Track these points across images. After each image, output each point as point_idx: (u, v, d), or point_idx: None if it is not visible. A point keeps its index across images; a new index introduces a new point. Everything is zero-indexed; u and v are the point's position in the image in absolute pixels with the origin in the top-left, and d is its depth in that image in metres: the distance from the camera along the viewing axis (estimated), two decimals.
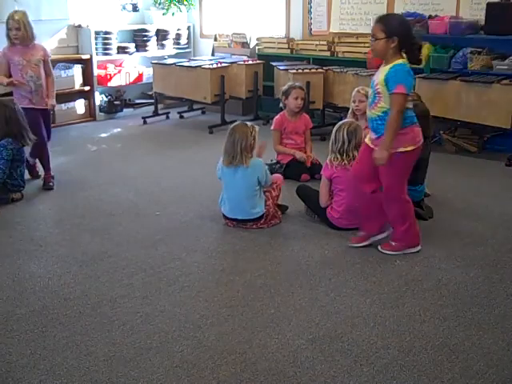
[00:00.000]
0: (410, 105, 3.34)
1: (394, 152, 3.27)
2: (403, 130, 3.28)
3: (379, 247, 3.55)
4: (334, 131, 3.87)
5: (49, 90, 4.68)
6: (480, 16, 5.74)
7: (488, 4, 5.50)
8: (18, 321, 2.79)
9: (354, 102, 4.67)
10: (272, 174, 4.76)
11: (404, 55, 3.29)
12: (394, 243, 3.52)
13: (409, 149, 3.31)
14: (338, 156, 3.81)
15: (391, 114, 3.23)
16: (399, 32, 3.23)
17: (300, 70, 6.40)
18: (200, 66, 6.87)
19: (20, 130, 4.40)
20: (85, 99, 7.32)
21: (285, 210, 4.15)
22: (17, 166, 4.43)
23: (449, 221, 4.03)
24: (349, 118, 4.46)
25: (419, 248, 3.52)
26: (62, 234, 3.84)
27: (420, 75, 5.87)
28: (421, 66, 5.95)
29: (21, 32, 4.47)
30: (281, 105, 5.14)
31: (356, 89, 4.74)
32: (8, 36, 4.52)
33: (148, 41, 7.83)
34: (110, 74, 7.44)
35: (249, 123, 3.92)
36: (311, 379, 2.36)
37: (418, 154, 3.43)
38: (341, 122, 3.96)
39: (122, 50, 7.61)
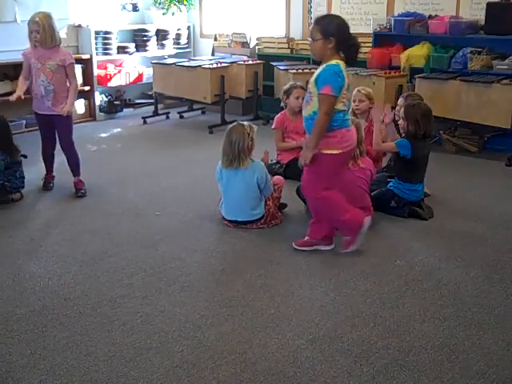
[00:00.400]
0: (342, 107, 3.26)
1: (318, 152, 3.25)
2: (331, 133, 3.24)
3: (293, 243, 3.55)
4: None
5: (68, 96, 4.48)
6: (480, 16, 5.74)
7: (488, 4, 5.51)
8: (17, 321, 2.79)
9: (354, 101, 4.68)
10: (272, 174, 4.77)
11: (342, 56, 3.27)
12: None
13: (334, 152, 3.26)
14: None
15: (317, 115, 3.21)
16: (336, 33, 3.21)
17: (300, 70, 6.40)
18: (200, 66, 6.87)
19: (9, 145, 4.43)
20: (85, 99, 7.32)
21: (283, 207, 4.15)
22: (14, 170, 4.44)
23: (449, 221, 4.03)
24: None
25: (367, 221, 3.45)
26: (61, 234, 3.84)
27: (420, 75, 5.88)
28: (421, 66, 6.03)
29: (39, 35, 4.30)
30: (282, 104, 5.15)
31: (356, 88, 4.74)
32: (30, 38, 4.37)
33: (148, 41, 7.83)
34: (109, 74, 7.44)
35: (246, 123, 3.92)
36: (311, 379, 2.36)
37: (345, 160, 3.38)
38: None
39: (121, 49, 7.61)
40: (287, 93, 5.02)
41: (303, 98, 5.03)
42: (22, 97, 4.45)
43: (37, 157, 4.70)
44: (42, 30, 4.29)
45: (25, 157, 4.65)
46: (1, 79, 6.57)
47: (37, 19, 4.28)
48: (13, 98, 4.45)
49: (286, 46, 7.26)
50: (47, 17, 4.34)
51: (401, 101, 4.60)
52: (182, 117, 7.68)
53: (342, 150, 3.28)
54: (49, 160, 4.74)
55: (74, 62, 4.50)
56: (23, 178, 4.54)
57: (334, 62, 3.24)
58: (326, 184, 3.36)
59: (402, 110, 4.14)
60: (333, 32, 3.21)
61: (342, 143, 3.28)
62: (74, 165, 4.66)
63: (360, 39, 6.51)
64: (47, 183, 4.73)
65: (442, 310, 2.88)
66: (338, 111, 3.24)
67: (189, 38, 8.32)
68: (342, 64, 3.26)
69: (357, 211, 3.47)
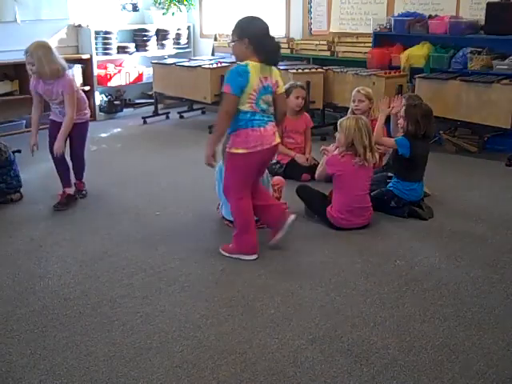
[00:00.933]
0: (249, 108, 3.25)
1: (228, 151, 3.32)
2: (235, 132, 3.27)
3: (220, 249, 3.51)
4: (342, 126, 3.85)
5: (83, 109, 4.33)
6: (480, 16, 5.73)
7: (488, 4, 5.50)
8: (17, 321, 2.79)
9: (354, 101, 4.69)
10: (272, 174, 4.77)
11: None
12: (230, 245, 3.49)
13: (240, 151, 3.27)
14: (350, 149, 3.80)
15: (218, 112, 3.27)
16: (250, 34, 3.23)
17: (300, 70, 6.40)
18: (200, 66, 6.88)
19: None
20: None
21: None
22: (7, 170, 4.41)
23: (449, 221, 4.03)
24: None
25: (254, 257, 3.43)
26: (62, 234, 3.84)
27: (420, 75, 5.88)
28: (421, 66, 6.03)
29: (35, 67, 4.04)
30: None
31: (356, 89, 4.75)
32: (28, 70, 4.14)
33: (148, 41, 7.83)
34: (109, 74, 7.44)
35: None
36: (311, 379, 2.36)
37: (258, 161, 3.35)
38: (345, 117, 3.99)
39: (121, 49, 7.61)
40: (287, 93, 5.01)
41: (303, 98, 5.07)
42: (36, 148, 4.29)
43: (36, 156, 4.69)
44: (37, 62, 4.01)
45: (18, 151, 4.62)
46: (1, 79, 6.57)
47: (30, 50, 4.02)
48: (30, 150, 4.29)
49: (286, 46, 7.25)
50: (41, 47, 4.05)
51: (403, 102, 4.59)
52: (182, 117, 7.68)
53: (249, 150, 3.27)
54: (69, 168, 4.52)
55: (72, 92, 4.16)
56: (18, 176, 4.50)
57: (244, 62, 3.26)
58: (238, 185, 3.37)
59: (403, 109, 4.14)
60: (246, 33, 3.24)
61: (248, 143, 3.27)
62: (80, 169, 4.56)
63: (360, 39, 6.65)
64: (80, 191, 4.55)
65: (442, 309, 2.88)
66: (245, 111, 3.24)
67: (189, 37, 8.32)
68: (251, 65, 3.23)
69: (253, 237, 3.44)
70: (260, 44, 3.24)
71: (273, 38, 3.34)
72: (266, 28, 3.34)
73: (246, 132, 3.26)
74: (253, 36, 3.23)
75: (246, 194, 3.40)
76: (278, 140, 3.43)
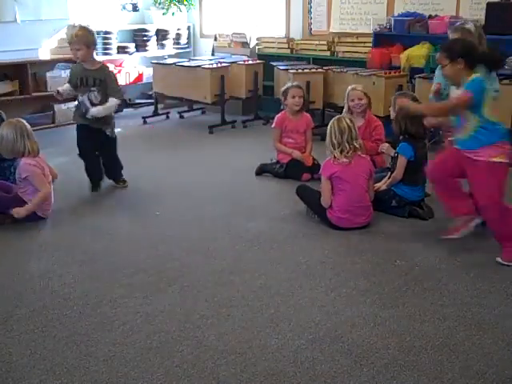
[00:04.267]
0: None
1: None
2: None
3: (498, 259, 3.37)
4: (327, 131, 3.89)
5: None
6: (480, 16, 5.73)
7: (488, 4, 5.50)
8: (18, 321, 2.79)
9: (353, 100, 4.69)
10: (272, 173, 4.78)
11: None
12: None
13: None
14: (338, 152, 3.81)
15: None
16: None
17: (300, 70, 6.40)
18: (200, 66, 6.87)
19: None
20: None
21: None
22: (8, 165, 4.30)
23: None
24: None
25: None
26: (61, 234, 3.84)
27: (420, 75, 5.88)
28: (421, 66, 6.03)
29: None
30: (282, 106, 5.20)
31: (350, 87, 4.75)
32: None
33: (148, 41, 7.83)
34: None
35: None
36: (311, 379, 2.36)
37: None
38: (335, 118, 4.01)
39: (121, 49, 7.61)
40: (284, 94, 5.10)
41: (300, 97, 5.08)
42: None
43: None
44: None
45: None
46: (1, 79, 6.57)
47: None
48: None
49: (286, 46, 7.27)
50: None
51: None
52: (182, 117, 7.67)
53: None
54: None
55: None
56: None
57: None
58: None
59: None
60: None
61: None
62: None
63: (360, 39, 6.65)
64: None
65: (442, 309, 2.88)
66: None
67: (189, 38, 8.32)
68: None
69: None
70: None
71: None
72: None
73: None
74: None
75: None
76: None
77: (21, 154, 4.02)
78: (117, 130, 4.83)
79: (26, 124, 4.08)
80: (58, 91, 4.58)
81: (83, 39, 4.35)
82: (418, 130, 4.05)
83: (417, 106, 3.83)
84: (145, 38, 7.80)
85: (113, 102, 4.45)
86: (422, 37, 6.04)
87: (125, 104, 7.70)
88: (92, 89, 4.43)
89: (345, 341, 2.62)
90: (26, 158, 4.00)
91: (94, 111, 4.43)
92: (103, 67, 4.53)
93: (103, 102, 4.44)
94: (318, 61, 6.90)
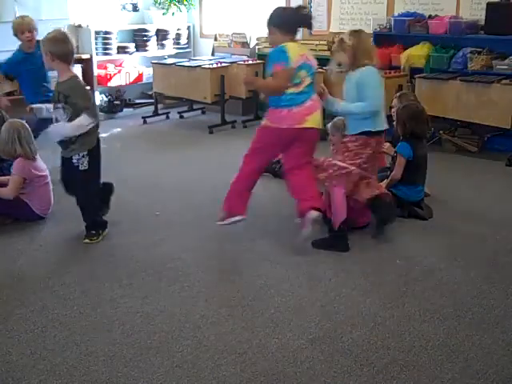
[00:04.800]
0: None
1: None
2: None
3: None
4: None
5: None
6: (480, 16, 5.73)
7: (488, 4, 5.50)
8: (17, 321, 2.79)
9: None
10: (272, 173, 4.77)
11: None
12: None
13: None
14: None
15: None
16: None
17: None
18: (200, 66, 6.88)
19: None
20: None
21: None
22: (8, 164, 4.28)
23: (449, 221, 4.03)
24: None
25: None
26: (61, 234, 3.84)
27: (420, 75, 5.88)
28: (421, 66, 6.02)
29: None
30: None
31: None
32: None
33: (148, 41, 7.83)
34: (109, 74, 7.43)
35: None
36: (311, 379, 2.36)
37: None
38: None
39: (121, 49, 7.60)
40: None
41: None
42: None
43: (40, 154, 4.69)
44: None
45: None
46: (1, 79, 6.56)
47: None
48: None
49: None
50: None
51: (395, 102, 4.60)
52: (182, 117, 7.67)
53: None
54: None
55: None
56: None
57: None
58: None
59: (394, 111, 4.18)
60: None
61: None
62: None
63: None
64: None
65: (442, 310, 2.88)
66: None
67: (189, 38, 8.32)
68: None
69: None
70: None
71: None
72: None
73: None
74: None
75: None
76: None
77: (11, 155, 4.03)
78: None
79: (26, 127, 4.05)
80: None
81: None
82: (423, 129, 4.07)
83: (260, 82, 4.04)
84: (145, 38, 7.79)
85: (80, 120, 3.53)
86: (422, 37, 6.04)
87: (124, 104, 7.72)
88: (58, 105, 3.60)
89: (345, 341, 2.62)
90: (20, 159, 4.00)
91: (50, 131, 3.64)
92: (71, 79, 3.72)
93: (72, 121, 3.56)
94: (318, 61, 6.86)
